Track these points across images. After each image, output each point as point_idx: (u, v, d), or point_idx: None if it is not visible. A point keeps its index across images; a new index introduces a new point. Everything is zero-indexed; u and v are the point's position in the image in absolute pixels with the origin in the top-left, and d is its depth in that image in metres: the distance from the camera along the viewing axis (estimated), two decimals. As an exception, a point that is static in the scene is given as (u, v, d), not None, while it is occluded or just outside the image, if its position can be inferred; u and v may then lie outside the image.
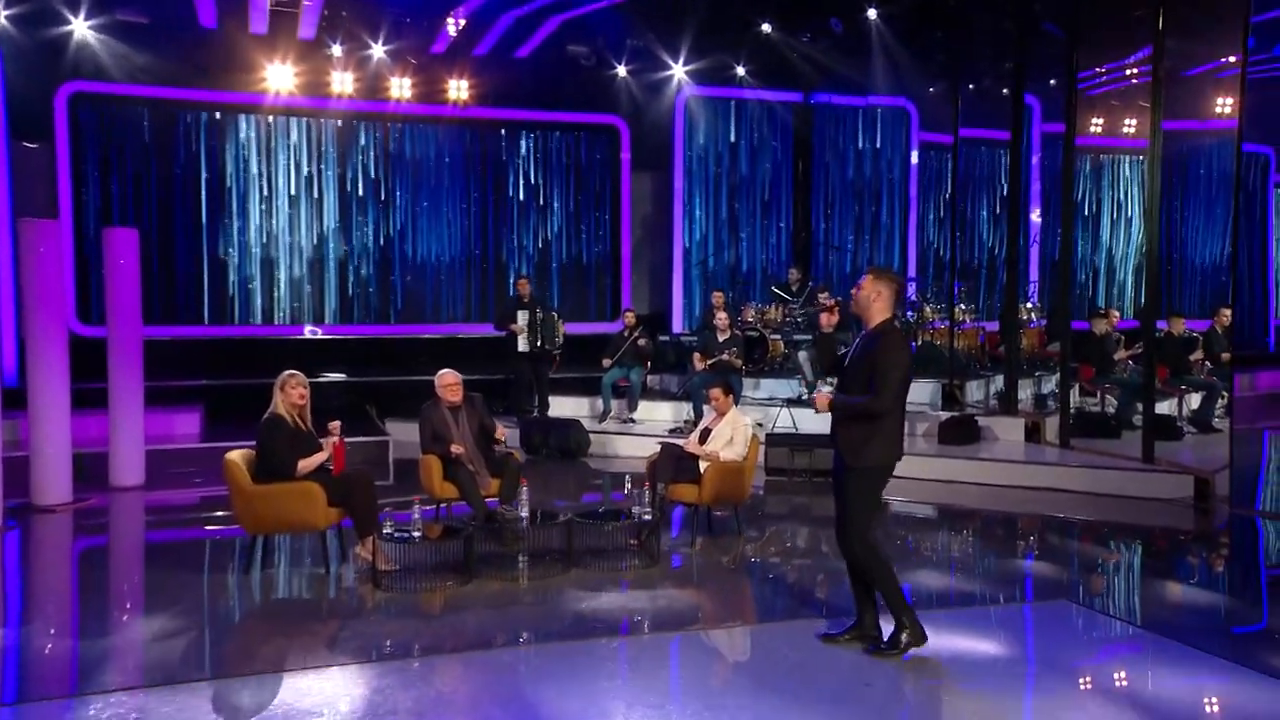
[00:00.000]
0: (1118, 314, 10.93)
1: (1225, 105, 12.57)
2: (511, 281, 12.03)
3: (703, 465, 6.10)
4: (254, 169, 12.02)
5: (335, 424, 5.53)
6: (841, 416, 4.00)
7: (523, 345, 9.82)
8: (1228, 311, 10.21)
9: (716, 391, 6.30)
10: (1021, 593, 5.47)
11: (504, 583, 5.31)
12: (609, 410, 10.15)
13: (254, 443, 5.48)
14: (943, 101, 12.71)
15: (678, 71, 13.00)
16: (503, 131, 12.94)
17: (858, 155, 13.93)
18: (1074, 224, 9.24)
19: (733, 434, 6.16)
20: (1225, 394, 9.66)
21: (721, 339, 9.68)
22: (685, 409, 9.98)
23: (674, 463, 6.11)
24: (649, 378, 10.66)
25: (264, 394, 5.62)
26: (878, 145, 13.93)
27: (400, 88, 12.22)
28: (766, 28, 12.01)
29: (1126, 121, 13.63)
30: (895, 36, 11.64)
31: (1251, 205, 14.96)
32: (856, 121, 13.90)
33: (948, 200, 13.76)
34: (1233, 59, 11.58)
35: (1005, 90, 12.44)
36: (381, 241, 12.54)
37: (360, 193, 12.44)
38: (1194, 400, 9.99)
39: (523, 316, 9.81)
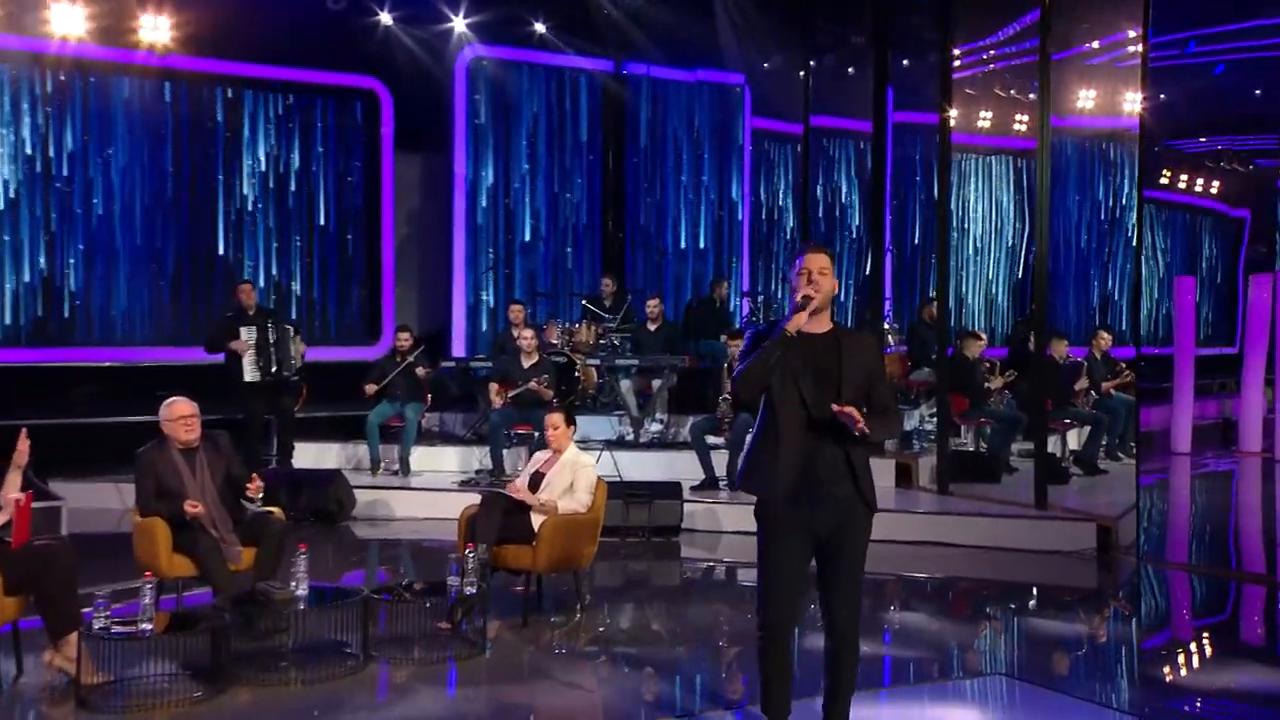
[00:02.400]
0: (984, 337, 11.78)
1: (1088, 99, 14.02)
2: (221, 287, 11.56)
3: (536, 520, 5.95)
4: None
5: (22, 448, 4.89)
6: (861, 447, 3.87)
7: (250, 372, 9.32)
8: (1107, 335, 11.28)
9: (556, 419, 6.19)
10: (952, 666, 5.69)
11: (271, 689, 4.93)
12: (378, 458, 9.84)
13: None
14: (781, 80, 13.34)
15: (458, 25, 12.88)
16: (219, 90, 12.34)
17: (679, 141, 14.30)
18: (948, 230, 9.90)
19: (573, 479, 6.06)
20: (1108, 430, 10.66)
21: (528, 364, 9.58)
22: (479, 454, 9.88)
23: (500, 517, 5.93)
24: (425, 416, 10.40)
25: None
26: (707, 130, 14.35)
27: (69, 21, 11.25)
28: (574, -28, 12.18)
29: (982, 114, 14.87)
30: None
31: (1119, 224, 16.73)
32: (680, 99, 14.27)
33: (794, 199, 14.40)
34: (1096, 44, 12.99)
35: (851, 69, 13.24)
36: (40, 231, 11.48)
37: (8, 162, 11.31)
38: (1072, 437, 10.92)
39: (247, 333, 9.29)
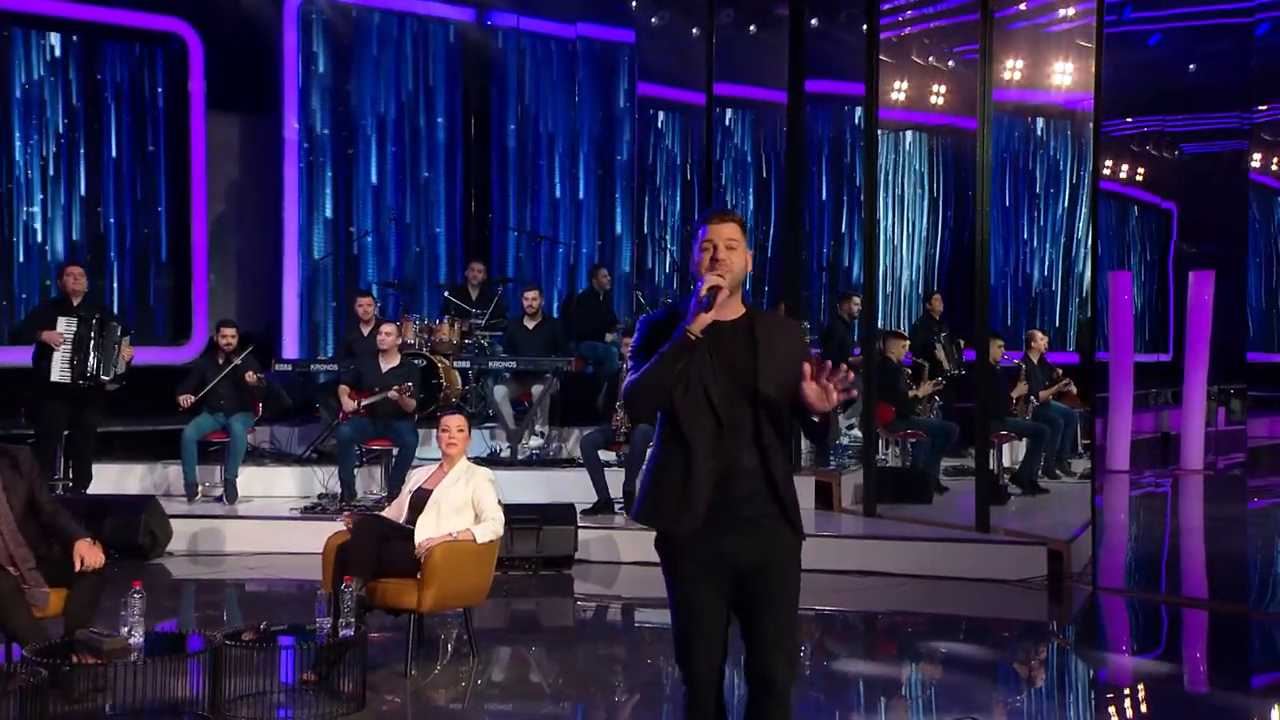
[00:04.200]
0: (908, 337, 12.07)
1: (1015, 69, 14.46)
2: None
3: (420, 549, 5.86)
4: None
5: None
6: (782, 460, 3.64)
7: (59, 371, 9.05)
8: (1043, 337, 11.69)
9: (459, 420, 6.12)
10: (881, 716, 5.80)
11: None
12: (194, 482, 9.69)
13: None
14: (676, 39, 13.45)
15: (288, -43, 12.78)
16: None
17: (555, 106, 14.32)
18: (876, 215, 10.17)
19: (474, 496, 6.01)
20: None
21: (387, 368, 9.48)
22: (321, 475, 9.88)
23: (376, 546, 5.82)
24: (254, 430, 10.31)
25: None
26: (588, 94, 14.39)
27: None
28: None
29: (896, 85, 15.21)
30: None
31: (1052, 217, 17.36)
32: (556, 57, 14.26)
33: (691, 181, 14.49)
34: (1024, 6, 13.39)
35: (753, 28, 13.40)
36: None
37: None
38: (1007, 452, 11.27)
39: (65, 324, 9.02)
